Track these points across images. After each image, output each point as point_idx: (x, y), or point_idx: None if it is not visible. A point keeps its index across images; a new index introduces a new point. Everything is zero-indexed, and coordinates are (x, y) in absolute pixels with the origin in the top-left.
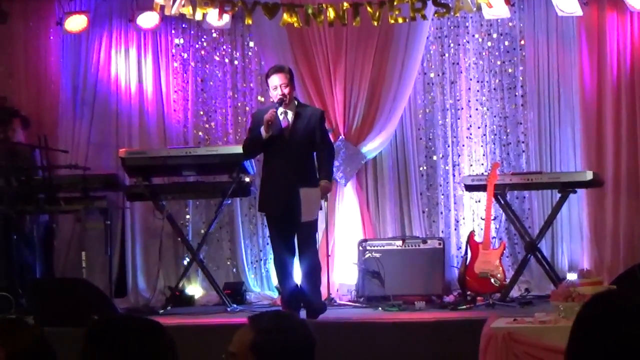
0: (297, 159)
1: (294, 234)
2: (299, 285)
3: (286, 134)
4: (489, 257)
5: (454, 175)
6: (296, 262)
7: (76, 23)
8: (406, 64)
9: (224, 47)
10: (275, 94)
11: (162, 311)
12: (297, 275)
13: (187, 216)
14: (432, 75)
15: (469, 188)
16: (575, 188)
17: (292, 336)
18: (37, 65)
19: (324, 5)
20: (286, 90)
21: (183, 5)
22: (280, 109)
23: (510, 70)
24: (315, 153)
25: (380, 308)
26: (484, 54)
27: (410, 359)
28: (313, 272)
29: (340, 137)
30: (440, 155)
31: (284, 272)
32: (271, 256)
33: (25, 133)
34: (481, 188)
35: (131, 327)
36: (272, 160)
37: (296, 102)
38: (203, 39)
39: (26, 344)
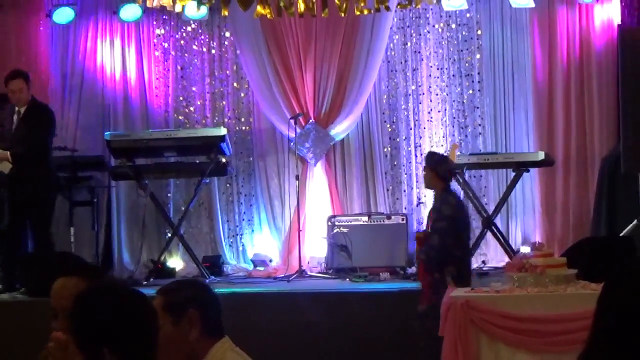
0: None
1: None
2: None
3: None
4: None
5: (416, 156)
6: None
7: (63, 15)
8: (371, 52)
9: (202, 37)
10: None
11: (145, 283)
12: None
13: (169, 194)
14: (395, 63)
15: None
16: (528, 167)
17: (195, 289)
18: (28, 54)
19: None
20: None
21: None
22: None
23: (467, 59)
24: None
25: (347, 279)
26: (443, 43)
27: (376, 325)
28: None
29: (311, 120)
30: (403, 137)
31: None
32: (247, 231)
33: None
34: None
35: (117, 294)
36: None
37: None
38: (182, 30)
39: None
